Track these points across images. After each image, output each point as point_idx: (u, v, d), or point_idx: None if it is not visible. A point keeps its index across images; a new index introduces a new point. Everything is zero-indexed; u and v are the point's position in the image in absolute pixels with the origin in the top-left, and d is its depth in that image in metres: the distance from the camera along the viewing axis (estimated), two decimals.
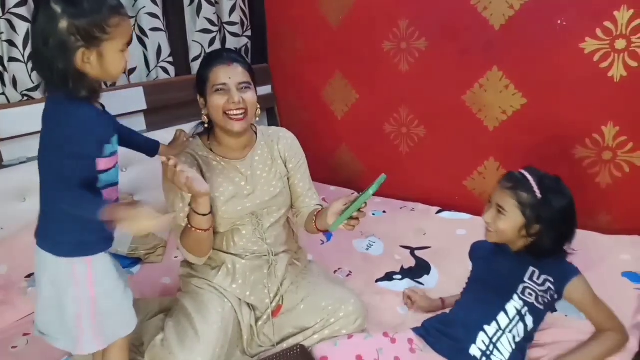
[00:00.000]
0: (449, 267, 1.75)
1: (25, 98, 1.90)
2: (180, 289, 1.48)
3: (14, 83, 1.88)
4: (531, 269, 1.22)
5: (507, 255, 1.27)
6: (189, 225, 1.27)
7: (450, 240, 1.95)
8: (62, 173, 0.98)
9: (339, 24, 2.49)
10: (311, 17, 2.57)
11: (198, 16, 2.46)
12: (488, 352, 1.17)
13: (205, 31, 2.50)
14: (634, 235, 1.83)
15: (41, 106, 1.01)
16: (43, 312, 1.10)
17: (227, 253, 1.41)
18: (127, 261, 1.88)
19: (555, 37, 1.87)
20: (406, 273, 1.78)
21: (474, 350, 1.18)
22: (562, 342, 1.28)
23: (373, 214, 2.29)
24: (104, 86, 2.14)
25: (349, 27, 2.45)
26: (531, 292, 1.20)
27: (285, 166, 1.47)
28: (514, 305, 1.21)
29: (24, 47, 1.83)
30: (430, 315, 1.41)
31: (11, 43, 1.82)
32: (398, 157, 2.49)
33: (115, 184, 1.11)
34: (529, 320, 1.20)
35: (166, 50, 2.36)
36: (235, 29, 2.66)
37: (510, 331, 1.19)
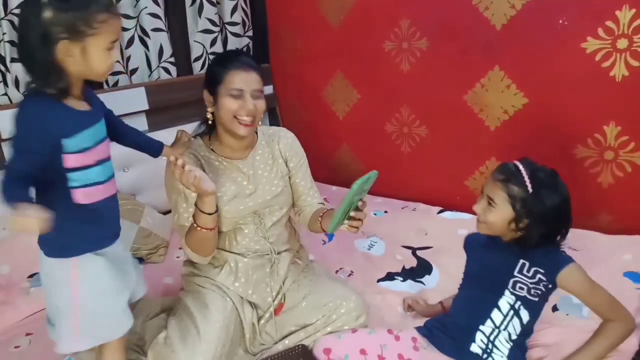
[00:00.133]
0: (450, 267, 1.75)
1: None
2: (182, 288, 1.49)
3: (16, 83, 1.88)
4: (521, 261, 1.19)
5: (499, 248, 1.23)
6: (195, 225, 1.27)
7: (452, 240, 1.93)
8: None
9: (340, 24, 2.49)
10: (312, 17, 2.57)
11: (200, 16, 2.47)
12: (488, 350, 1.17)
13: (207, 31, 2.51)
14: (635, 235, 1.82)
15: None
16: (48, 304, 1.13)
17: (229, 252, 1.41)
18: None
19: (556, 36, 1.87)
20: (408, 273, 1.78)
21: (474, 348, 1.18)
22: (563, 341, 1.28)
23: (374, 214, 2.29)
24: (105, 86, 2.17)
25: (349, 27, 2.46)
26: (522, 285, 1.18)
27: (286, 165, 1.48)
28: (506, 300, 1.19)
29: None
30: None
31: (13, 44, 1.83)
32: (399, 157, 2.49)
33: (99, 183, 1.05)
34: (524, 314, 1.18)
35: (168, 51, 2.37)
36: (237, 29, 2.66)
37: (506, 328, 1.18)
